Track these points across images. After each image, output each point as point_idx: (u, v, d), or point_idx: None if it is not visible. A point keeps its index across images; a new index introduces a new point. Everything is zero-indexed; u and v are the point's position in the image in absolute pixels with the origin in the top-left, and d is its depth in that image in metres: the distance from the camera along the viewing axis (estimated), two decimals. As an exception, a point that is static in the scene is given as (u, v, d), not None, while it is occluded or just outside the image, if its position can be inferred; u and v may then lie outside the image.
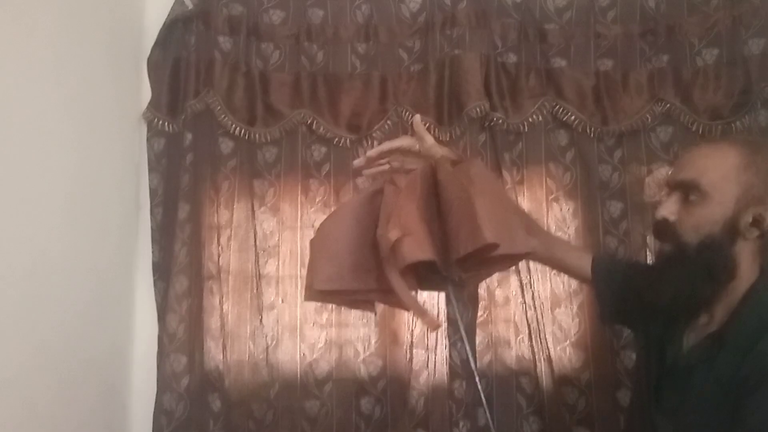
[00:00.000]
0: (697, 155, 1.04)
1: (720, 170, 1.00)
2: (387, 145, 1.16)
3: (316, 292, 1.02)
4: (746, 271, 1.02)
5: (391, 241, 0.92)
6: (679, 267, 1.01)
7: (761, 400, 0.91)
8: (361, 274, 0.99)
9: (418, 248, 0.92)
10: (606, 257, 1.43)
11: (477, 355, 1.77)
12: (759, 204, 0.99)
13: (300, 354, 1.80)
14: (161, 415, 1.73)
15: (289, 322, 1.82)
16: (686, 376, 1.04)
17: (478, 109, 1.76)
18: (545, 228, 1.75)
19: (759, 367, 0.93)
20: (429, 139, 1.14)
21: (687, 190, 1.01)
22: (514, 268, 1.79)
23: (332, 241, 1.01)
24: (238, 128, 1.80)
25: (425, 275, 1.02)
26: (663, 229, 1.04)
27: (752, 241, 1.01)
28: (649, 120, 1.80)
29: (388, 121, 1.82)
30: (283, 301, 1.82)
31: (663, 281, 1.04)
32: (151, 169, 1.82)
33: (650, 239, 1.75)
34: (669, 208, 1.03)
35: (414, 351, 1.78)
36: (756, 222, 0.99)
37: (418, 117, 1.17)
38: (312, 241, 1.07)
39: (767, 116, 1.76)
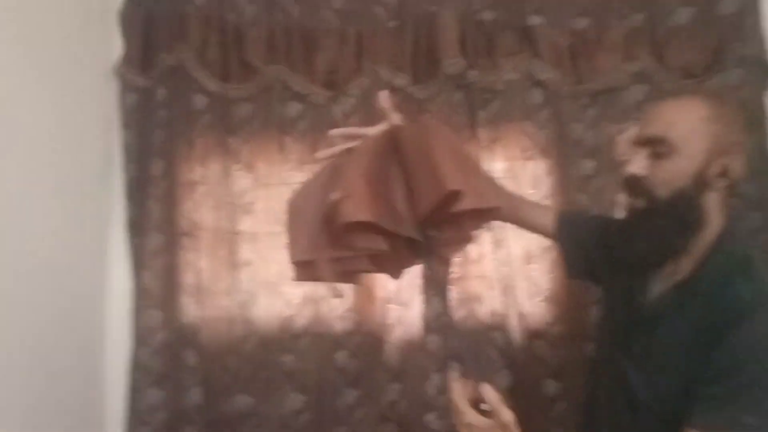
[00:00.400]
0: (664, 110, 1.05)
1: (688, 124, 1.01)
2: (352, 130, 1.11)
3: (300, 270, 1.00)
4: (713, 221, 1.04)
5: (331, 201, 0.90)
6: (652, 221, 1.03)
7: (731, 341, 0.94)
8: (334, 241, 0.97)
9: (356, 209, 0.90)
10: (570, 214, 1.44)
11: (450, 311, 1.79)
12: (726, 155, 1.01)
13: (276, 309, 1.81)
14: (137, 369, 1.74)
15: (264, 279, 1.82)
16: (654, 325, 1.06)
17: (454, 66, 1.75)
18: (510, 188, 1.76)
19: (728, 310, 0.96)
20: (395, 118, 1.07)
21: (655, 146, 1.02)
22: (487, 224, 1.80)
23: (302, 214, 1.01)
24: (212, 84, 1.78)
25: (417, 247, 1.01)
26: (633, 185, 1.05)
27: (719, 191, 1.03)
28: (624, 79, 1.81)
29: (364, 78, 1.81)
30: (259, 258, 1.82)
31: (636, 236, 1.05)
32: (124, 125, 1.80)
33: (622, 197, 1.76)
34: (638, 164, 1.04)
35: (389, 306, 1.80)
36: (723, 172, 1.01)
37: (384, 93, 1.10)
38: (286, 220, 1.05)
39: (739, 75, 1.77)
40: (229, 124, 1.82)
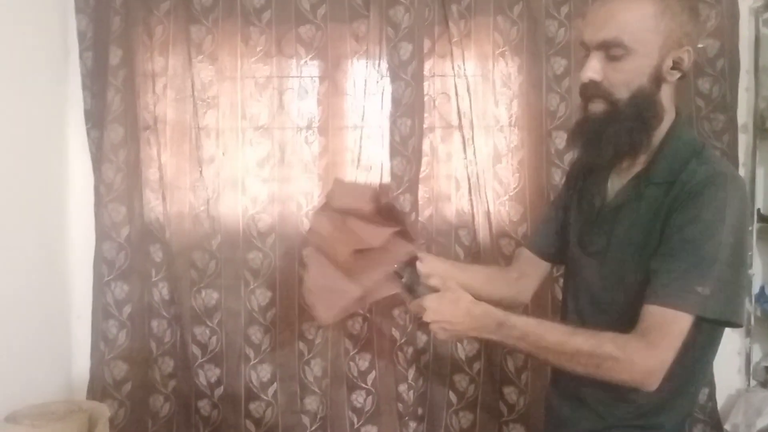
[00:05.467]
0: (612, 11, 1.02)
1: (640, 23, 1.00)
2: None
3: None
4: (667, 111, 1.06)
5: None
6: (616, 123, 1.03)
7: (682, 218, 0.97)
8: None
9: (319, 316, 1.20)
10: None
11: (418, 210, 1.80)
12: (678, 47, 1.02)
13: (242, 207, 1.80)
14: (101, 263, 1.73)
15: (230, 175, 1.80)
16: (613, 217, 1.08)
17: (426, -45, 1.68)
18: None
19: (685, 189, 0.98)
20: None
21: (610, 49, 1.01)
22: (457, 123, 1.79)
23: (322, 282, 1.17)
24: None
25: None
26: (592, 91, 1.05)
27: (671, 84, 1.05)
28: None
29: (332, -33, 1.73)
30: (224, 154, 1.79)
31: (602, 140, 1.05)
32: (78, 11, 1.71)
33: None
34: (594, 69, 1.03)
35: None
36: (676, 65, 1.02)
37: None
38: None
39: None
40: (190, 12, 1.74)
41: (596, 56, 1.03)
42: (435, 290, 1.10)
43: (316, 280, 1.16)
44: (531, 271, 1.31)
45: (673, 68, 1.02)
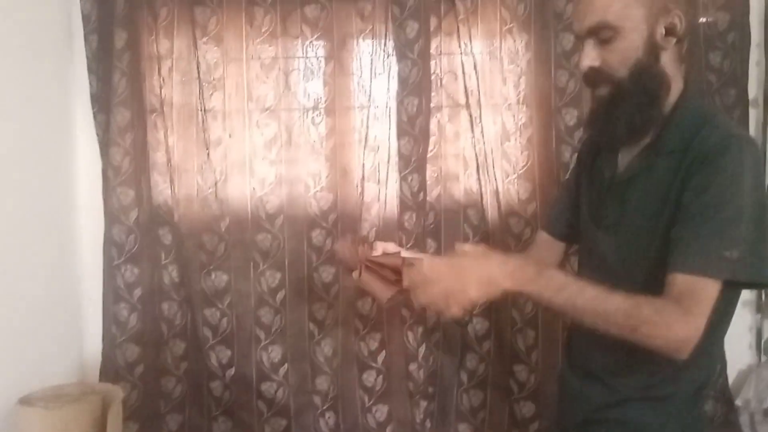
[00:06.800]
0: None
1: (619, 0, 1.01)
2: None
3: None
4: (673, 81, 1.06)
5: None
6: (623, 102, 1.04)
7: (702, 182, 0.96)
8: None
9: None
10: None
11: (426, 189, 1.79)
12: (666, 14, 1.02)
13: (250, 189, 1.80)
14: (112, 247, 1.73)
15: (237, 158, 1.79)
16: (625, 189, 1.08)
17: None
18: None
19: (699, 155, 0.98)
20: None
21: (599, 33, 1.03)
22: (464, 102, 1.78)
23: None
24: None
25: None
26: (594, 78, 1.07)
27: (671, 50, 1.05)
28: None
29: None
30: (230, 136, 1.79)
31: (613, 121, 1.06)
32: (82, -8, 1.69)
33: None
34: (590, 56, 1.05)
35: (365, 185, 1.79)
36: (669, 31, 1.03)
37: None
38: None
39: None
40: (194, -6, 1.72)
41: (589, 44, 1.05)
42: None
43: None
44: (548, 255, 1.32)
45: (667, 35, 1.03)
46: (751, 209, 0.94)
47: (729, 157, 0.95)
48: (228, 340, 1.80)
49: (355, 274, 1.15)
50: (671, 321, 0.92)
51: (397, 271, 1.09)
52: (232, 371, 1.80)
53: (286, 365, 1.81)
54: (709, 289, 0.93)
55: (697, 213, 0.96)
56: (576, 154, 1.32)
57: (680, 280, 0.93)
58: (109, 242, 1.73)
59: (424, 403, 1.80)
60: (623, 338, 0.94)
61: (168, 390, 1.81)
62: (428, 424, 1.80)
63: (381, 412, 1.82)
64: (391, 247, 1.25)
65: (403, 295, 1.10)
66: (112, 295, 1.74)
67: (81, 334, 1.80)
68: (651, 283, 0.98)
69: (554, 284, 0.97)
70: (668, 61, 1.05)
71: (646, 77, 1.03)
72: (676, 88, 1.06)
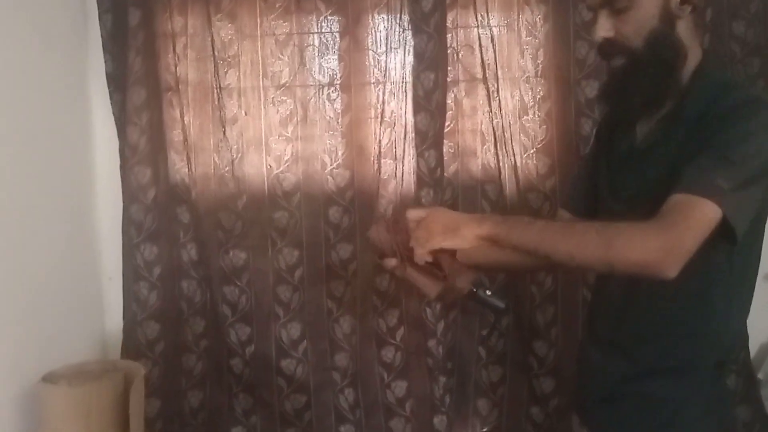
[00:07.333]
0: None
1: None
2: None
3: None
4: (690, 50, 1.03)
5: None
6: (639, 72, 1.02)
7: (717, 128, 0.94)
8: None
9: None
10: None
11: (443, 165, 1.78)
12: None
13: (266, 166, 1.79)
14: (130, 226, 1.74)
15: (253, 135, 1.79)
16: (643, 159, 1.07)
17: None
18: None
19: (719, 113, 0.96)
20: None
21: (612, 3, 1.01)
22: (481, 76, 1.76)
23: None
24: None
25: None
26: (608, 49, 1.05)
27: (687, 18, 1.03)
28: None
29: None
30: (246, 114, 1.78)
31: (630, 93, 1.04)
32: (95, -29, 1.68)
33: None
34: (604, 27, 1.03)
35: (382, 161, 1.78)
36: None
37: None
38: None
39: None
40: (207, -31, 1.71)
41: (603, 14, 1.03)
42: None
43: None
44: None
45: (682, 3, 1.00)
46: (757, 164, 0.92)
47: (747, 113, 0.94)
48: (247, 318, 1.81)
49: (389, 263, 1.11)
50: (649, 230, 0.90)
51: (438, 265, 1.07)
52: (251, 348, 1.81)
53: (305, 342, 1.82)
54: (700, 207, 0.89)
55: (705, 151, 0.94)
56: (595, 129, 1.29)
57: (674, 200, 0.91)
58: (127, 221, 1.74)
59: (443, 379, 1.80)
60: (601, 265, 0.96)
61: (189, 367, 1.83)
62: (447, 399, 1.80)
63: (400, 388, 1.83)
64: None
65: (450, 291, 1.08)
66: (132, 273, 1.76)
67: (102, 312, 1.82)
68: None
69: (522, 223, 1.01)
70: (684, 30, 1.02)
71: (661, 47, 1.01)
72: (694, 57, 1.04)
